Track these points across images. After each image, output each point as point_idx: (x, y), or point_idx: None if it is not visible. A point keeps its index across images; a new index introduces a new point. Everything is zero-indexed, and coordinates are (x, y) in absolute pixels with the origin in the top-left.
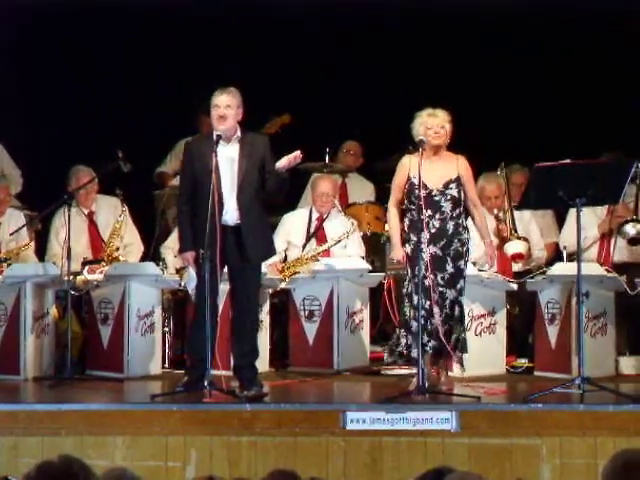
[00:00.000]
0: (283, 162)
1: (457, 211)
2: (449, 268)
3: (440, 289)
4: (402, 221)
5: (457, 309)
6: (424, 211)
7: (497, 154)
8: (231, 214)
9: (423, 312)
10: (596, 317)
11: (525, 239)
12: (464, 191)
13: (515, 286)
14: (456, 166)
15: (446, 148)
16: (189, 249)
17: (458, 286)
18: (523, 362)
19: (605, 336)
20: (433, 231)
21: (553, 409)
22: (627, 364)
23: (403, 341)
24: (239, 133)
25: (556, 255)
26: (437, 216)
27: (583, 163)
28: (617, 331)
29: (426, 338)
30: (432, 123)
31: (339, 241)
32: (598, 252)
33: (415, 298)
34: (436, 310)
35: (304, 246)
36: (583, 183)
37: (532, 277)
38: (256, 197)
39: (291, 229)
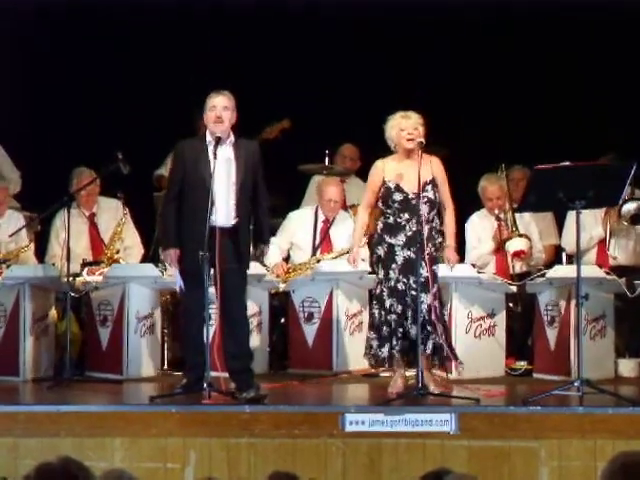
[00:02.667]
0: None
1: (432, 214)
2: (423, 272)
3: (413, 293)
4: (374, 223)
5: (433, 314)
6: (400, 215)
7: (497, 155)
8: (224, 216)
9: (395, 316)
10: (595, 319)
11: (527, 237)
12: (438, 193)
13: (514, 288)
14: (430, 168)
15: (422, 150)
16: (172, 246)
17: (434, 290)
18: (522, 364)
19: (604, 338)
20: (409, 234)
21: (552, 411)
22: (626, 366)
23: (374, 343)
24: (232, 137)
25: (556, 257)
26: (414, 220)
27: (583, 165)
28: (616, 333)
29: (394, 341)
30: (406, 125)
31: (349, 252)
32: (597, 254)
33: (388, 301)
34: (409, 314)
35: (314, 251)
36: (583, 185)
37: (531, 279)
38: (247, 200)
39: (296, 229)
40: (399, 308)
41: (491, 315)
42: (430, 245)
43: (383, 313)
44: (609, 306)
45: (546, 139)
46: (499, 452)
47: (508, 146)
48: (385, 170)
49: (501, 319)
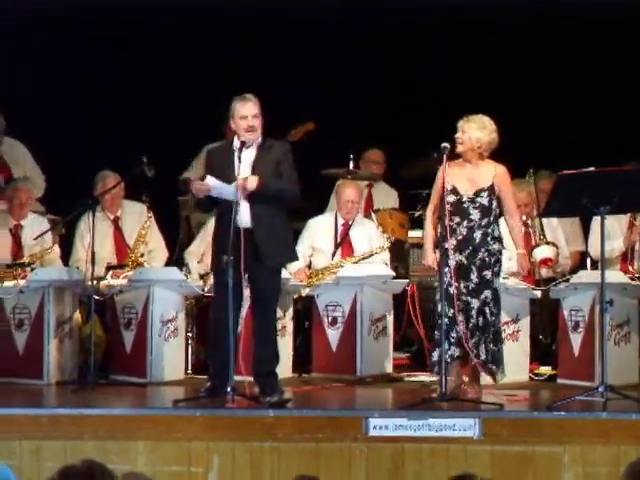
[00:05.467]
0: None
1: (486, 220)
2: (474, 277)
3: (464, 298)
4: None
5: (481, 319)
6: (452, 218)
7: (526, 160)
8: (245, 217)
9: (446, 320)
10: (620, 325)
11: (554, 244)
12: (499, 200)
13: (539, 294)
14: (492, 175)
15: (486, 156)
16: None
17: (482, 296)
18: (546, 370)
19: (629, 344)
20: (459, 238)
21: (576, 417)
22: None
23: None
24: (260, 139)
25: (581, 264)
26: (465, 223)
27: (607, 171)
28: None
29: (446, 346)
30: (459, 129)
31: (371, 255)
32: (621, 260)
33: (439, 305)
34: (460, 319)
35: (333, 254)
36: (607, 191)
37: (556, 285)
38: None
39: (316, 235)
40: (450, 312)
41: (515, 320)
42: (483, 250)
43: (437, 317)
44: (634, 312)
45: (575, 144)
46: (523, 457)
47: (537, 151)
48: (450, 173)
49: (525, 324)
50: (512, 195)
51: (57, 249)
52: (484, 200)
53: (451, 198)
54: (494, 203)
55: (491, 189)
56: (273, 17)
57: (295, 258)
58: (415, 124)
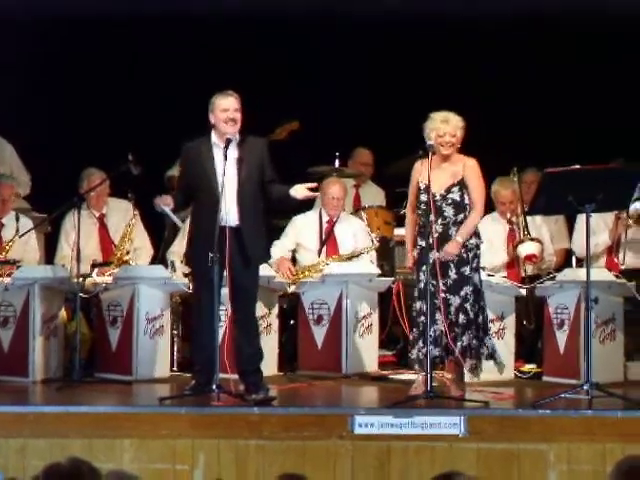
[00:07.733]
0: (299, 193)
1: (461, 216)
2: (452, 274)
3: (443, 295)
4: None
5: (462, 316)
6: (431, 216)
7: (510, 158)
8: (231, 215)
9: (423, 318)
10: (605, 323)
11: (538, 240)
12: (468, 195)
13: (524, 291)
14: (462, 170)
15: (457, 151)
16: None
17: (462, 292)
18: (531, 367)
19: (614, 342)
20: (436, 236)
21: (561, 415)
22: (636, 370)
23: (418, 345)
24: (238, 136)
25: (567, 261)
26: (439, 221)
27: (593, 169)
28: (626, 337)
29: (421, 344)
30: (444, 131)
31: (360, 254)
32: (607, 258)
33: (418, 303)
34: (438, 316)
35: (319, 252)
36: (592, 189)
37: (541, 282)
38: (255, 199)
39: (302, 231)
40: (428, 310)
41: (501, 318)
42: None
43: (414, 315)
44: (619, 309)
45: (557, 142)
46: (508, 455)
47: (521, 149)
48: (421, 171)
49: (510, 322)
50: (480, 190)
51: (37, 255)
52: (455, 196)
53: (423, 197)
54: (466, 198)
55: (461, 183)
56: (259, 15)
57: (269, 257)
58: (401, 121)
